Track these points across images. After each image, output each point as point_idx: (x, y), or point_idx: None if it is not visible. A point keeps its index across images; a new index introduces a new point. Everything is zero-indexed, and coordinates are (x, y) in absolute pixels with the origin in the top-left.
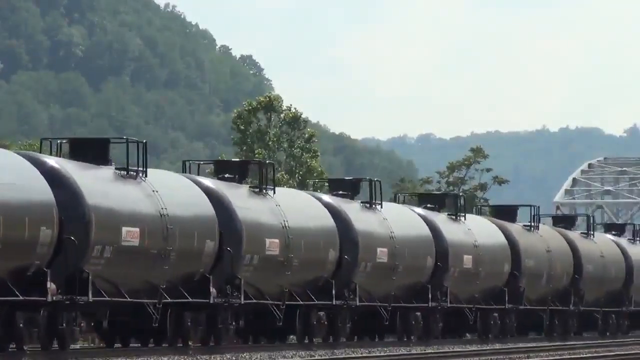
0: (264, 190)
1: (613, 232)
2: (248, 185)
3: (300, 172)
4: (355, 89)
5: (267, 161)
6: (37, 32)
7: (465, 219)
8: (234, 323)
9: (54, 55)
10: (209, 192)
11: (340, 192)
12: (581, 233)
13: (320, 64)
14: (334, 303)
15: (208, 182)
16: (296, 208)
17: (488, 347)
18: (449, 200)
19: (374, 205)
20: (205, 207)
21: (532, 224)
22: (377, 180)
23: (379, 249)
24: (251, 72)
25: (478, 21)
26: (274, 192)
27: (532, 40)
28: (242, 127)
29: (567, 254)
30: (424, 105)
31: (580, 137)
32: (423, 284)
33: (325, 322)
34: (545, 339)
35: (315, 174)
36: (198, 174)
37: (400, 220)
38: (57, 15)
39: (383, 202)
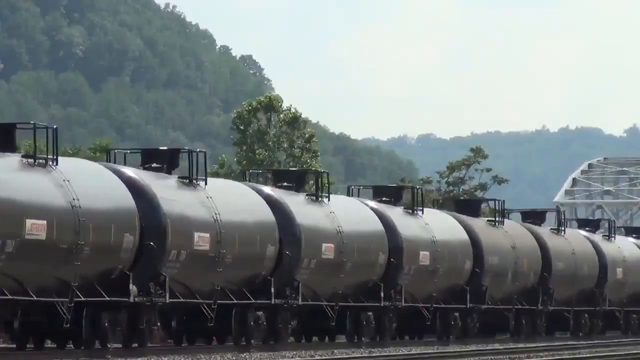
0: (195, 182)
1: (587, 228)
2: (177, 176)
3: None
4: (355, 89)
5: (198, 150)
6: (37, 32)
7: (422, 213)
8: (159, 324)
9: (54, 55)
10: (130, 183)
11: (285, 184)
12: (551, 229)
13: (320, 64)
14: (272, 302)
15: (130, 171)
16: (231, 200)
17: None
18: (406, 193)
19: (320, 198)
20: (125, 199)
21: (497, 218)
22: (324, 171)
23: (324, 245)
24: (251, 72)
25: (478, 21)
26: (206, 184)
27: (532, 40)
28: (242, 127)
29: (535, 251)
30: (424, 105)
31: (580, 137)
32: (375, 282)
33: (264, 323)
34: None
35: None
36: (125, 164)
37: (349, 214)
38: (57, 15)
39: (331, 195)
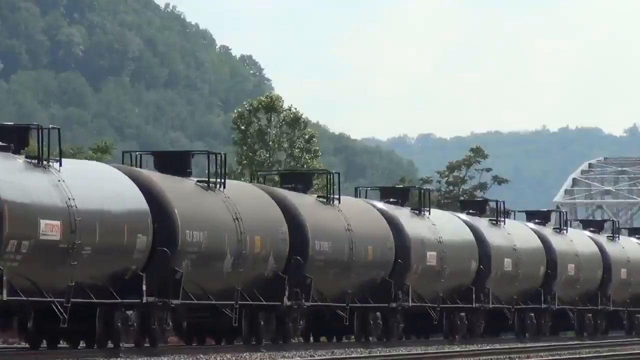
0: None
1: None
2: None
3: None
4: (355, 89)
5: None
6: (37, 32)
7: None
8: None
9: (54, 55)
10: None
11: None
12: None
13: (321, 64)
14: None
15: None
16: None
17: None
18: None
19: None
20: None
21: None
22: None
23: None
24: (251, 72)
25: (478, 21)
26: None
27: (532, 40)
28: (242, 127)
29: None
30: (424, 105)
31: (580, 137)
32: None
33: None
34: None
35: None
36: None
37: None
38: (57, 15)
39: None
